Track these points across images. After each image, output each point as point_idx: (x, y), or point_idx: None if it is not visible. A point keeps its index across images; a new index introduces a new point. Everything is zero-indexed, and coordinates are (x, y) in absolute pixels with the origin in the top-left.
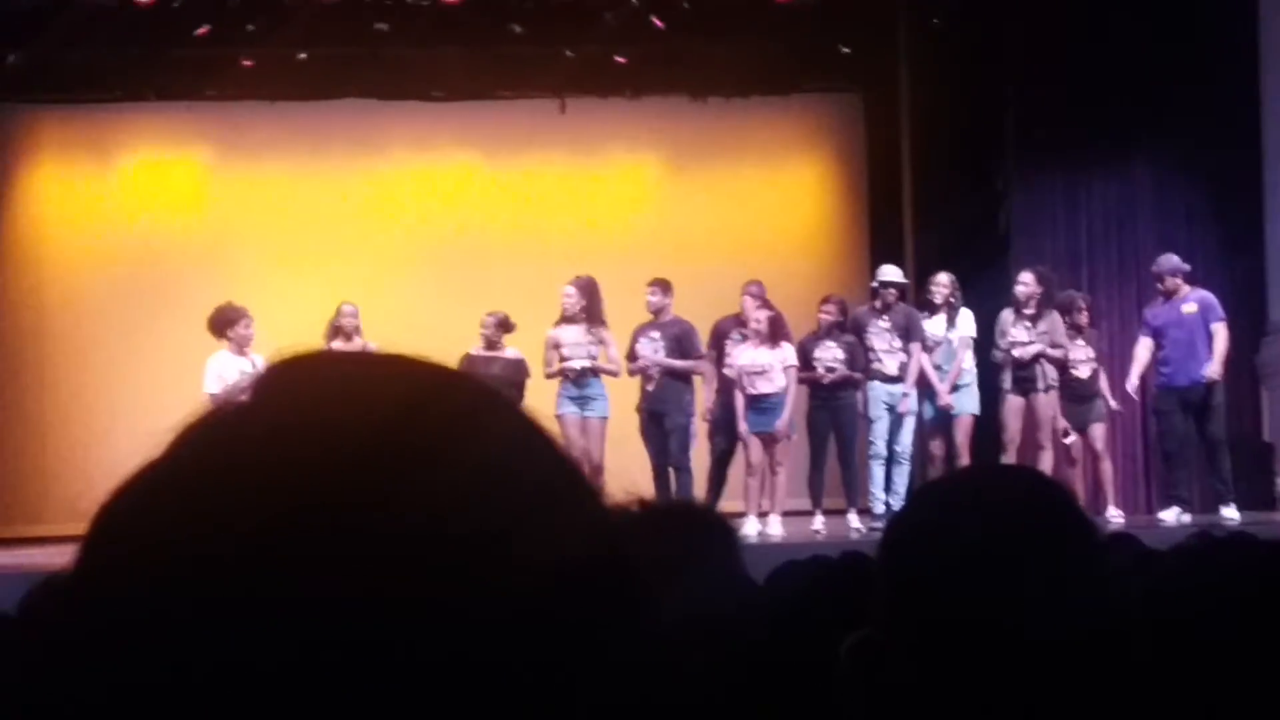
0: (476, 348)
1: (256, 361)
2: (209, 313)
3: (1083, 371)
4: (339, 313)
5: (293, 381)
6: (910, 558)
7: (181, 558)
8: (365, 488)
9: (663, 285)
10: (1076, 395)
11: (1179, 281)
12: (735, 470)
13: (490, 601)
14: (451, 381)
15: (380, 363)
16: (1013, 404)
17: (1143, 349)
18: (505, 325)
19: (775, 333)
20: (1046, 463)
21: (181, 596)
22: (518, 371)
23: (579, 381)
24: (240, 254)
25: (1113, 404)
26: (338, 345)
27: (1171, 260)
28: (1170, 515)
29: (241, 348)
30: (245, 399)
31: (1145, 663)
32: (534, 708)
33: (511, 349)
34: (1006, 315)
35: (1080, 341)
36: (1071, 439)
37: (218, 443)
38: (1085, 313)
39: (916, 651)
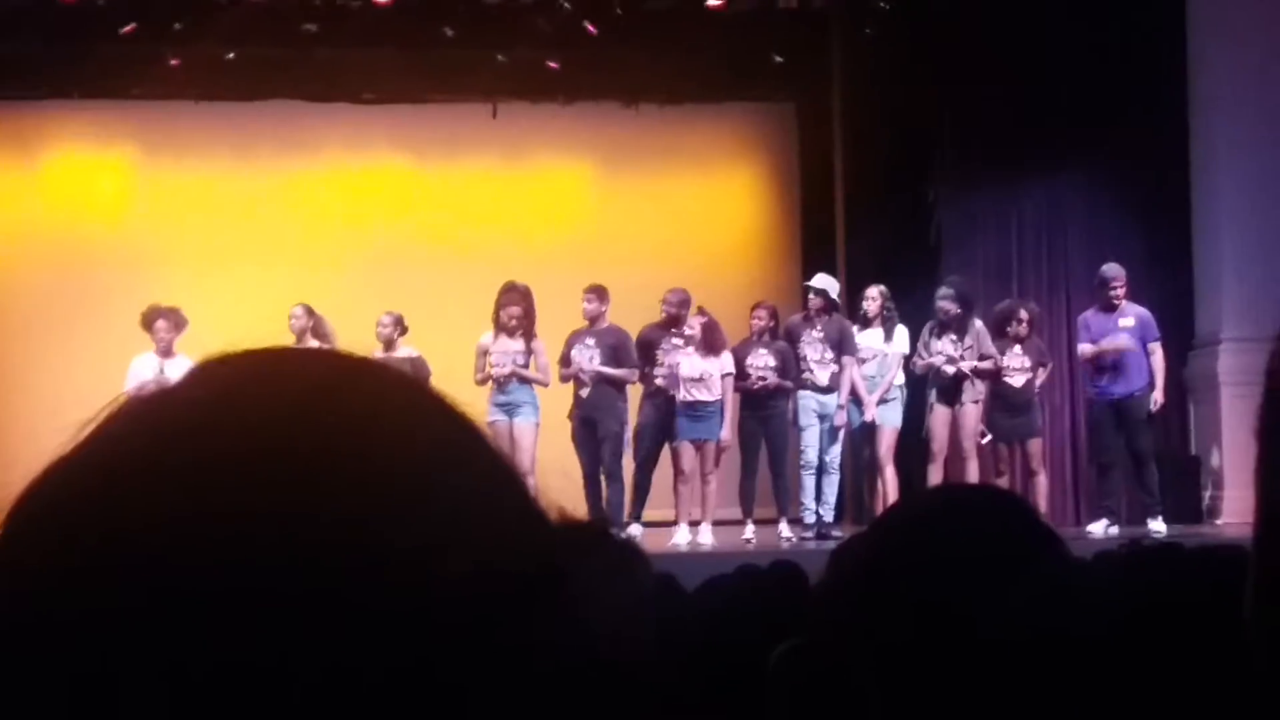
0: (377, 350)
1: (176, 363)
2: (138, 313)
3: (1016, 380)
4: (291, 315)
5: (220, 373)
6: (879, 574)
7: (94, 554)
8: (280, 485)
9: (599, 292)
10: (1009, 405)
11: (1123, 291)
12: (661, 477)
13: (404, 613)
14: (388, 380)
15: (316, 359)
16: (940, 415)
17: (1088, 350)
18: (402, 325)
19: (712, 340)
20: (972, 472)
21: (90, 597)
22: (418, 371)
23: (504, 387)
24: (166, 255)
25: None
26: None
27: (1119, 269)
28: (1098, 527)
29: (164, 350)
30: (167, 387)
31: (1092, 674)
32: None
33: (407, 348)
34: (927, 330)
35: (1017, 350)
36: (986, 439)
37: (133, 430)
38: (1025, 324)
39: (877, 664)
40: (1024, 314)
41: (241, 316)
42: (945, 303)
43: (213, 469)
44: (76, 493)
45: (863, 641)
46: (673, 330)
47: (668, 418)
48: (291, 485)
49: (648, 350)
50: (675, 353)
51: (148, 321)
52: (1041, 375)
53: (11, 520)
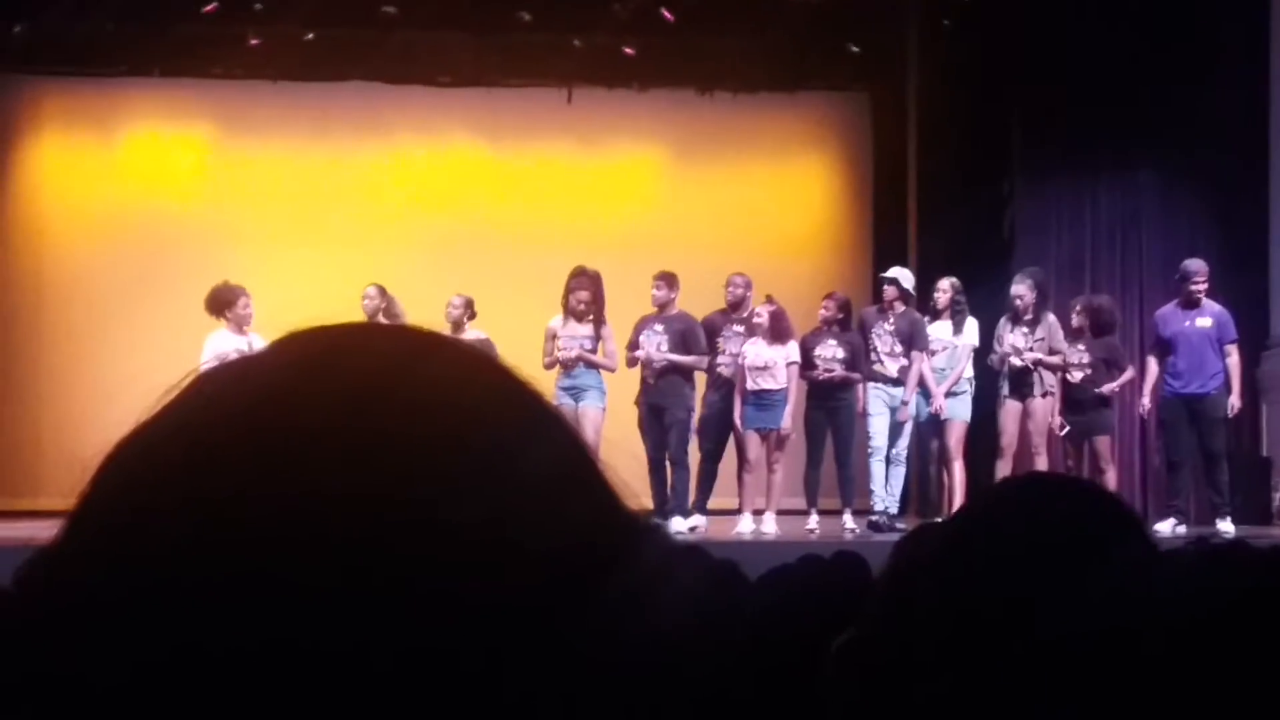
0: (444, 331)
1: (255, 341)
2: (207, 291)
3: (1073, 376)
4: (365, 295)
5: (303, 346)
6: (954, 563)
7: (171, 524)
8: (359, 460)
9: (668, 279)
10: (1072, 401)
11: (1204, 287)
12: (725, 467)
13: (477, 593)
14: (465, 357)
15: (396, 335)
16: (1010, 408)
17: (1153, 366)
18: (471, 308)
19: (779, 328)
20: (1042, 467)
21: (163, 572)
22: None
23: (570, 371)
24: (241, 232)
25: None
26: None
27: (1202, 264)
28: (1166, 527)
29: (240, 326)
30: (250, 358)
31: (1156, 667)
32: (511, 701)
33: (475, 331)
34: (1003, 322)
35: (1079, 346)
36: (1064, 431)
37: (215, 400)
38: (1080, 316)
39: (942, 654)
40: (1077, 306)
41: (313, 295)
42: (1021, 288)
43: (293, 442)
44: (159, 460)
45: (926, 631)
46: (733, 315)
47: (733, 408)
48: (371, 459)
49: (710, 337)
50: (736, 340)
51: (225, 299)
52: (1119, 378)
53: (93, 486)
